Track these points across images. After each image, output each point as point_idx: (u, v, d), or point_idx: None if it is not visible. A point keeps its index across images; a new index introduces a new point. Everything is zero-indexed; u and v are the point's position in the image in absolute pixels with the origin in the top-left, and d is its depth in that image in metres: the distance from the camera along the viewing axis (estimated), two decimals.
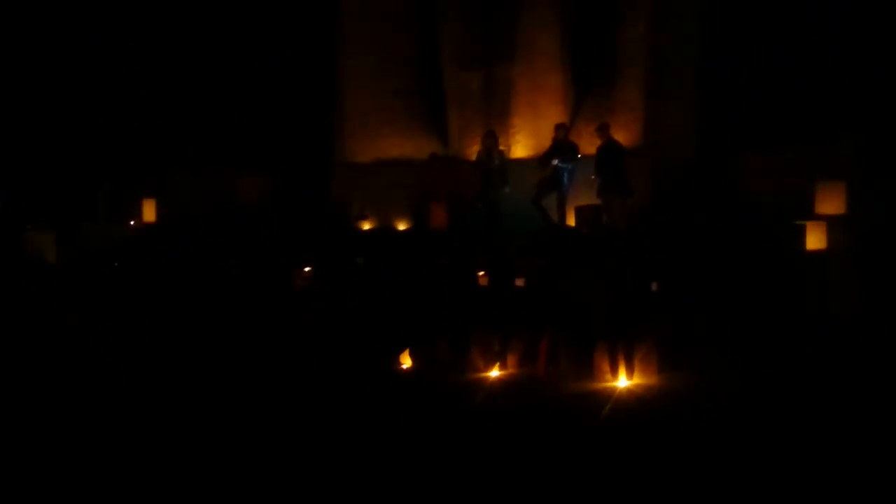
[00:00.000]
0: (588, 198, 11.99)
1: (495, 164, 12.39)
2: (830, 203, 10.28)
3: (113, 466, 6.90)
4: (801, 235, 9.74)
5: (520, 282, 9.62)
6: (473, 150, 13.11)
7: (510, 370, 9.12)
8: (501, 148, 12.80)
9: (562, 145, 12.22)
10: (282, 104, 16.70)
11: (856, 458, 6.53)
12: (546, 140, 12.66)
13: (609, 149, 11.91)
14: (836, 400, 7.82)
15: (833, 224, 9.94)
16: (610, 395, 8.58)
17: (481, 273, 10.08)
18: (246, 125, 16.83)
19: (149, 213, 14.88)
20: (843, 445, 6.78)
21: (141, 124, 17.68)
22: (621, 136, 12.27)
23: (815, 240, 9.83)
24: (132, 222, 14.82)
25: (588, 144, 12.45)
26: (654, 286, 9.20)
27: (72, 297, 11.41)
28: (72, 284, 11.67)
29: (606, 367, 8.86)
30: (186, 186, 14.89)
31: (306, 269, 11.17)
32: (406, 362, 9.68)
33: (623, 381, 8.66)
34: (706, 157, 13.01)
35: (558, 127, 12.41)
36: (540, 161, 12.42)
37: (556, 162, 12.07)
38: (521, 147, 13.49)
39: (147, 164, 15.96)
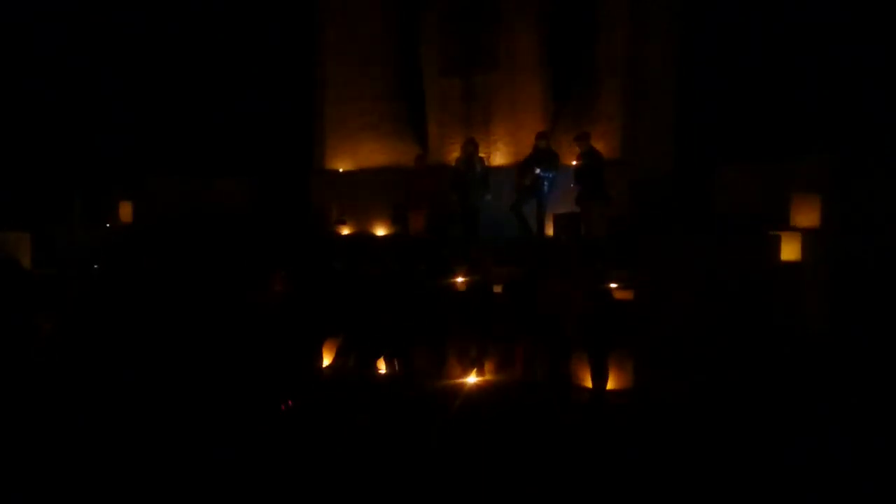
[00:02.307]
0: (567, 206, 12.06)
1: (477, 171, 12.44)
2: (805, 215, 10.39)
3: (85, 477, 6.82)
4: (775, 246, 9.83)
5: (497, 288, 9.65)
6: (453, 157, 13.14)
7: (487, 376, 9.16)
8: (482, 155, 12.85)
9: (542, 154, 12.28)
10: (262, 108, 16.66)
11: (824, 469, 6.60)
12: (526, 148, 12.72)
13: (588, 157, 11.99)
14: (806, 410, 7.92)
15: (808, 235, 10.05)
16: (585, 400, 8.66)
17: (459, 280, 10.10)
18: (226, 128, 16.77)
19: (125, 214, 14.80)
20: (813, 455, 6.86)
21: (119, 126, 17.56)
22: (600, 146, 12.36)
23: (789, 251, 9.93)
24: (108, 224, 14.71)
25: (568, 153, 12.53)
26: (627, 294, 9.28)
27: (47, 299, 11.29)
28: (47, 287, 11.55)
29: (582, 373, 8.93)
30: (164, 189, 14.79)
31: (282, 273, 11.12)
32: (383, 367, 9.67)
33: (597, 387, 8.74)
34: (683, 167, 13.14)
35: (539, 135, 12.47)
36: (520, 169, 12.47)
37: (537, 170, 12.13)
38: (500, 155, 13.55)
39: (125, 167, 15.84)
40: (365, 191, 14.03)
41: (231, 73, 17.27)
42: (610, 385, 8.90)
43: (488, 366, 9.23)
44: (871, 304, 9.41)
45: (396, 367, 9.61)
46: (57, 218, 14.64)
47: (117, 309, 10.67)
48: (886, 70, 13.80)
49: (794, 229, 10.22)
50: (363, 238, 13.53)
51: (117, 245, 13.24)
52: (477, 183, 12.39)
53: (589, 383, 8.83)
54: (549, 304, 9.00)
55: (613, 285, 9.28)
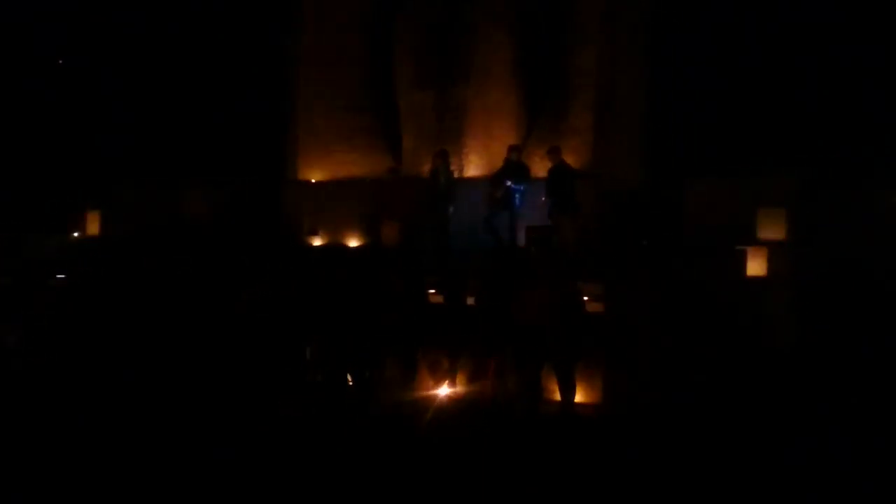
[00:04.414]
0: (539, 219, 12.14)
1: (441, 184, 12.48)
2: (771, 229, 10.57)
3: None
4: (742, 261, 9.98)
5: (470, 301, 9.68)
6: (426, 169, 13.20)
7: (459, 388, 9.17)
8: (452, 168, 12.90)
9: (514, 167, 12.37)
10: (234, 117, 16.57)
11: (793, 477, 6.70)
12: (498, 161, 12.80)
13: (560, 171, 12.10)
14: (772, 423, 8.04)
15: (774, 250, 10.22)
16: (554, 412, 8.70)
17: (431, 291, 10.11)
18: (197, 138, 16.66)
19: (93, 225, 14.64)
20: (784, 463, 6.96)
21: (88, 135, 17.38)
22: (571, 160, 12.48)
23: (755, 265, 10.09)
24: (76, 234, 14.55)
25: (539, 167, 12.65)
26: (597, 306, 9.36)
27: (9, 310, 11.13)
28: (8, 297, 11.38)
29: (552, 385, 8.98)
30: (132, 198, 14.66)
31: (253, 285, 11.06)
32: (356, 379, 9.64)
33: (566, 399, 8.80)
34: (653, 182, 13.30)
35: (511, 148, 12.56)
36: (492, 182, 12.55)
37: (508, 183, 12.21)
38: (473, 167, 13.63)
39: (94, 176, 15.67)
40: (338, 201, 14.00)
41: (203, 83, 17.16)
42: (580, 398, 8.96)
43: (460, 377, 9.24)
44: (836, 317, 9.58)
45: (367, 379, 9.59)
46: (24, 227, 14.45)
47: (86, 320, 10.54)
48: (850, 87, 14.10)
49: (761, 244, 10.40)
50: (335, 249, 13.50)
51: (84, 255, 13.09)
52: (442, 195, 12.44)
53: (557, 395, 8.88)
54: (521, 316, 9.05)
55: (584, 298, 9.34)
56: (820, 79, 14.29)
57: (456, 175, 13.07)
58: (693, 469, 6.96)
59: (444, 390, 9.06)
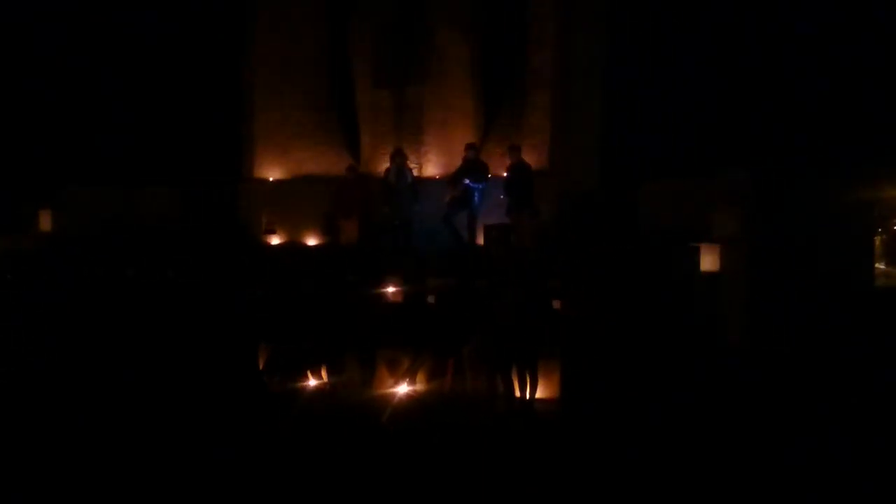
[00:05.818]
0: (497, 217, 12.20)
1: (407, 182, 12.48)
2: (725, 227, 10.76)
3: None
4: (695, 258, 10.15)
5: (430, 299, 9.70)
6: (385, 168, 13.17)
7: (418, 387, 9.18)
8: (411, 166, 12.90)
9: (472, 165, 12.41)
10: (189, 115, 16.36)
11: (740, 479, 6.83)
12: (457, 159, 12.84)
13: (519, 169, 12.18)
14: (726, 418, 8.19)
15: (727, 247, 10.40)
16: (514, 409, 8.77)
17: (391, 290, 10.11)
18: (153, 136, 16.43)
19: (44, 223, 14.36)
20: (733, 462, 7.10)
21: (41, 133, 17.03)
22: (529, 159, 12.57)
23: (709, 262, 10.27)
24: (27, 233, 14.25)
25: (498, 165, 12.71)
26: (556, 304, 9.45)
27: None
28: None
29: (511, 382, 9.04)
30: (85, 198, 14.41)
31: (213, 284, 10.95)
32: (314, 378, 9.59)
33: (526, 395, 8.88)
34: (610, 181, 13.46)
35: (469, 147, 12.60)
36: (450, 180, 12.57)
37: (467, 181, 12.24)
38: (431, 166, 13.65)
39: (47, 175, 15.35)
40: (295, 200, 13.90)
41: (158, 81, 16.92)
42: (538, 394, 9.03)
43: (419, 376, 9.26)
44: (788, 313, 9.79)
45: (325, 378, 9.56)
46: None
47: (39, 319, 10.34)
48: (801, 84, 14.44)
49: (715, 241, 10.58)
50: (293, 248, 13.40)
51: (35, 254, 12.83)
52: (406, 194, 12.43)
53: (516, 392, 8.94)
54: (480, 314, 9.10)
55: (542, 294, 9.42)
56: (771, 77, 14.62)
57: (415, 173, 13.08)
58: (651, 463, 7.06)
59: (403, 388, 9.07)
